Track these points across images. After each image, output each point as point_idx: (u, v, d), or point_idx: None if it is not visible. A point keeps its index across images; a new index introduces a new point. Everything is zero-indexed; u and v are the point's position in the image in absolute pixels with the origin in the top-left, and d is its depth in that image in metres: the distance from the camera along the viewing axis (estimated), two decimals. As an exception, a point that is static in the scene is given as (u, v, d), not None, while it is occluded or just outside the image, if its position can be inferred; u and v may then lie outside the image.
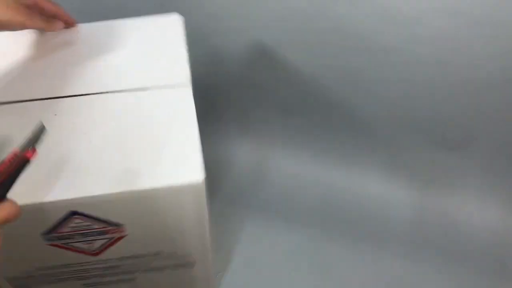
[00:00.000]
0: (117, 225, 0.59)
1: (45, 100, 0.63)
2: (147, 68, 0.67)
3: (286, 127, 1.15)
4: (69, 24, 0.72)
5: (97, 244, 0.62)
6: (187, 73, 0.66)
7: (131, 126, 0.60)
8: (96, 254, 0.64)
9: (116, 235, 0.61)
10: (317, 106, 1.10)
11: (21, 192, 0.51)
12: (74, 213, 0.55)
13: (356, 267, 1.04)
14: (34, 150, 0.47)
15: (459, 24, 0.85)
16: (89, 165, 0.56)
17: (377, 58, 0.95)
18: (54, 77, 0.66)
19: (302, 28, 0.92)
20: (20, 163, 0.45)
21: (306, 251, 1.06)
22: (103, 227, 0.59)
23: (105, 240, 0.62)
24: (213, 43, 1.00)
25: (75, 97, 0.63)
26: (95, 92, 0.64)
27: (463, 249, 1.08)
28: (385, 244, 1.08)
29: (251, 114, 1.16)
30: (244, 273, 1.01)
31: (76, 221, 0.57)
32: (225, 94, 1.07)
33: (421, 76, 0.96)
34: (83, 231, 0.59)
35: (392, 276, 1.04)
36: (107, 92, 0.64)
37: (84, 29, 0.73)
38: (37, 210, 0.54)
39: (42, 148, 0.56)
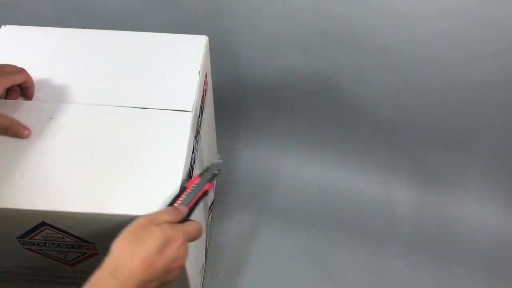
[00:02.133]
0: (88, 242, 0.59)
1: (44, 103, 0.63)
2: (155, 88, 0.66)
3: (286, 128, 1.15)
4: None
5: (71, 256, 0.62)
6: (191, 99, 0.64)
7: (120, 146, 0.59)
8: (72, 265, 0.65)
9: (89, 252, 0.61)
10: (317, 107, 1.07)
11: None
12: (44, 224, 0.56)
13: (356, 267, 1.02)
14: (212, 184, 0.56)
15: (459, 24, 0.81)
16: (67, 179, 0.56)
17: (377, 58, 0.91)
18: (60, 81, 0.66)
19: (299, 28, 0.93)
20: (203, 194, 0.55)
21: (307, 251, 1.04)
22: (75, 242, 0.59)
23: (79, 254, 0.62)
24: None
25: (74, 104, 0.63)
26: (96, 103, 0.63)
27: (463, 249, 1.04)
28: (385, 244, 1.05)
29: (255, 115, 1.16)
30: (243, 273, 1.00)
31: (48, 231, 0.57)
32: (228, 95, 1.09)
33: (421, 76, 0.92)
34: (55, 241, 0.59)
35: (392, 276, 1.01)
36: (107, 105, 0.63)
37: (109, 36, 0.73)
38: (12, 215, 0.54)
39: (29, 152, 0.57)
